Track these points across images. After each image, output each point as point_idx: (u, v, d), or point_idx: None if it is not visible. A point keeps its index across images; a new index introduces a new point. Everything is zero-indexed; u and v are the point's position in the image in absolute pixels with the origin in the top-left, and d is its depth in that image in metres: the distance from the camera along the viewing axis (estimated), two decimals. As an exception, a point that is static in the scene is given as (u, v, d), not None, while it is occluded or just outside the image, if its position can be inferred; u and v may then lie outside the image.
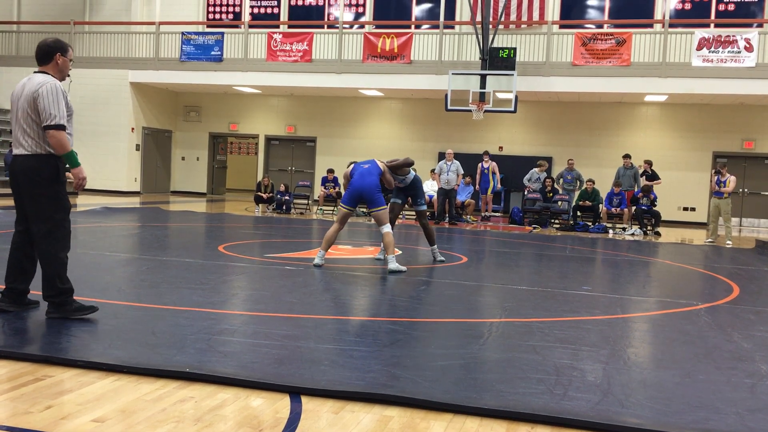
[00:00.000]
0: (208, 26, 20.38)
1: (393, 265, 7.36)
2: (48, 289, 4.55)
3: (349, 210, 7.81)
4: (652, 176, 15.93)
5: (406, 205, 9.25)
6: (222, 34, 19.06)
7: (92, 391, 3.30)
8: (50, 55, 4.57)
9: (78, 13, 21.20)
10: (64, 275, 4.56)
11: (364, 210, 15.83)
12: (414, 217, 16.27)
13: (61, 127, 4.39)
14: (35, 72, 4.60)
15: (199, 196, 21.74)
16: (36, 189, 4.47)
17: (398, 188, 8.55)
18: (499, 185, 16.79)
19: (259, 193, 17.13)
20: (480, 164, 16.73)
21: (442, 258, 8.63)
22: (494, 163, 16.65)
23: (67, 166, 4.56)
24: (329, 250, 7.91)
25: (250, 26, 19.13)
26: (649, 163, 16.10)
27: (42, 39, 4.69)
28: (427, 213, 16.29)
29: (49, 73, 4.55)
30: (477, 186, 16.74)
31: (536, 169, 16.42)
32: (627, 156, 16.13)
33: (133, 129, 20.12)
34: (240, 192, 24.31)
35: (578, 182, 16.53)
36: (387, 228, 7.56)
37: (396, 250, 7.96)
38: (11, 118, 4.63)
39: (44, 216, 4.49)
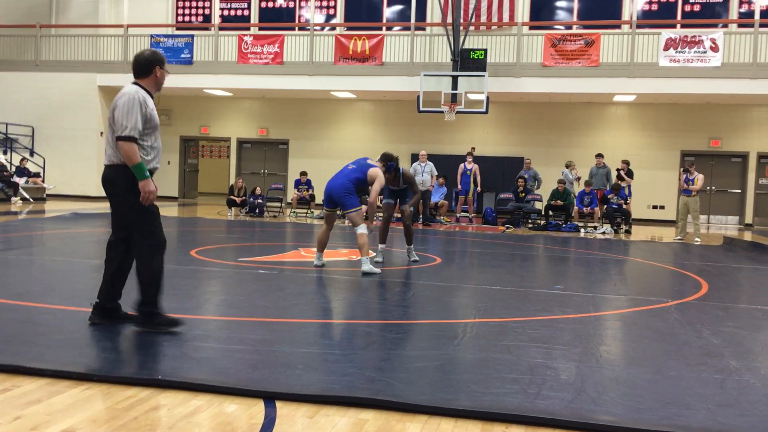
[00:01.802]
0: (178, 29, 20.20)
1: (366, 266, 7.34)
2: (138, 299, 4.52)
3: (329, 211, 7.79)
4: (627, 175, 16.14)
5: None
6: (192, 36, 18.91)
7: (62, 400, 3.24)
8: (149, 69, 4.56)
9: (44, 16, 20.88)
10: (154, 287, 4.52)
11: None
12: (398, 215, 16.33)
13: (130, 139, 4.34)
14: (131, 83, 4.57)
15: (170, 200, 21.52)
16: (116, 198, 4.52)
17: (391, 189, 8.55)
18: (479, 188, 16.80)
19: (231, 197, 17.01)
20: (462, 164, 16.77)
21: (416, 258, 8.65)
22: (476, 166, 16.67)
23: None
24: (318, 250, 7.87)
25: (221, 28, 19.00)
26: (626, 162, 16.32)
27: (139, 52, 4.66)
28: (398, 214, 16.37)
29: (140, 85, 4.53)
30: (458, 186, 16.77)
31: (567, 170, 16.24)
32: (599, 155, 16.33)
33: (102, 133, 19.84)
34: (212, 195, 24.13)
35: (536, 181, 16.70)
36: (362, 229, 7.53)
37: (371, 252, 7.96)
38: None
39: (132, 225, 4.53)
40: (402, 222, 8.72)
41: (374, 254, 8.39)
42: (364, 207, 8.21)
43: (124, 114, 4.34)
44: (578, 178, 16.49)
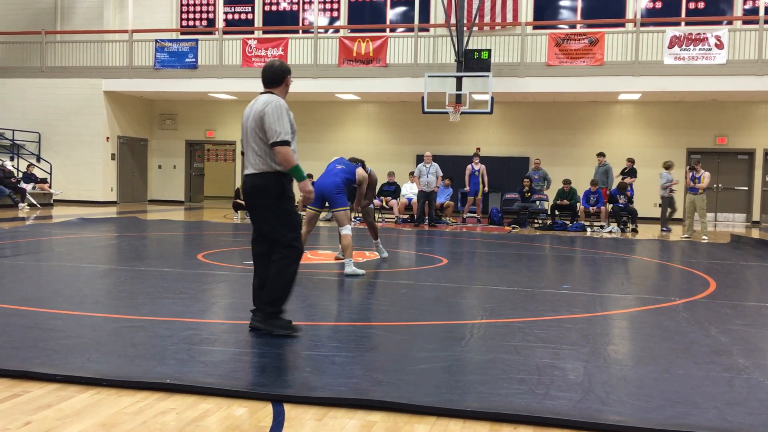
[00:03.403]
0: (182, 33, 20.27)
1: (350, 269, 7.34)
2: (268, 298, 4.59)
3: (315, 210, 7.80)
4: (630, 173, 16.12)
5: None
6: (196, 40, 18.96)
7: (71, 405, 3.26)
8: (282, 78, 4.72)
9: (49, 23, 20.98)
10: (288, 291, 4.61)
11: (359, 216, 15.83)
12: (394, 219, 16.38)
13: (287, 143, 4.45)
14: (261, 93, 4.69)
15: (176, 204, 21.58)
16: (265, 207, 4.57)
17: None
18: (486, 188, 16.79)
19: (237, 200, 17.03)
20: (470, 165, 16.77)
21: (386, 254, 8.86)
22: (483, 166, 16.66)
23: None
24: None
25: (225, 32, 19.05)
26: (631, 161, 16.29)
27: (268, 63, 4.77)
28: (405, 216, 16.40)
29: (274, 93, 4.65)
30: (466, 187, 16.77)
31: (665, 171, 15.84)
32: (599, 154, 16.33)
33: (108, 138, 19.92)
34: (218, 199, 24.17)
35: (546, 181, 16.68)
36: (347, 230, 7.57)
37: (374, 254, 7.99)
38: (242, 140, 4.71)
39: (276, 232, 4.58)
40: (366, 220, 8.83)
41: (379, 256, 8.46)
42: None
43: (275, 120, 4.46)
44: (677, 182, 16.00)
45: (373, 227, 8.81)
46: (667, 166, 15.47)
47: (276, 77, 4.70)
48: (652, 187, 18.07)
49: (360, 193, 8.07)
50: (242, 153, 4.83)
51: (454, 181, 17.13)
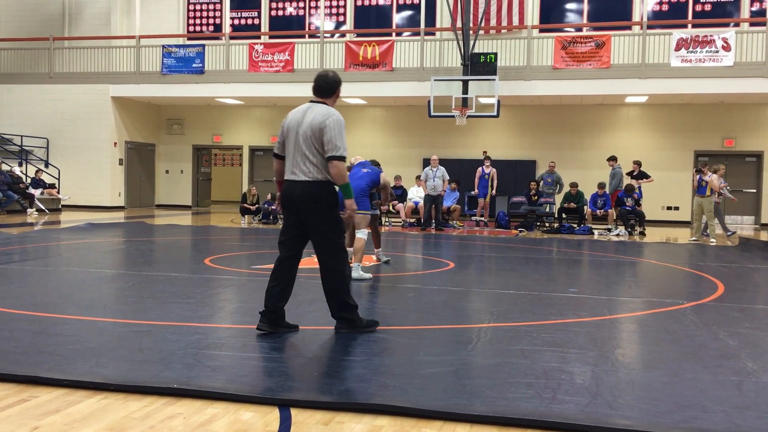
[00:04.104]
0: (189, 39, 20.35)
1: (357, 273, 7.37)
2: (338, 306, 4.73)
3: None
4: (639, 176, 16.08)
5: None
6: (203, 46, 19.03)
7: (79, 410, 3.27)
8: (334, 89, 4.81)
9: (57, 29, 21.11)
10: (350, 292, 4.77)
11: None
12: (401, 223, 16.38)
13: (344, 159, 4.54)
14: (313, 102, 4.74)
15: (184, 209, 21.64)
16: (318, 214, 4.63)
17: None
18: (494, 191, 16.80)
19: (244, 205, 17.09)
20: (480, 168, 16.77)
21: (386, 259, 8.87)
22: (494, 170, 16.67)
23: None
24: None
25: (231, 38, 19.11)
26: (638, 163, 16.25)
27: (321, 73, 4.83)
28: (412, 220, 16.40)
29: (327, 104, 4.73)
30: (475, 189, 16.77)
31: (714, 174, 15.48)
32: (611, 158, 16.29)
33: (115, 143, 20.01)
34: (225, 204, 24.23)
35: (558, 185, 16.66)
36: (362, 234, 7.60)
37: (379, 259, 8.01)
38: (287, 145, 4.72)
39: (327, 239, 4.66)
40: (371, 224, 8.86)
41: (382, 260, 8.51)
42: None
43: (336, 134, 4.56)
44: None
45: (377, 234, 8.79)
46: (715, 170, 14.96)
47: (330, 87, 4.78)
48: (659, 190, 18.03)
49: (386, 195, 8.24)
50: (276, 155, 4.84)
51: (460, 184, 17.13)
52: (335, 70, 17.73)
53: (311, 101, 4.78)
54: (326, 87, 4.77)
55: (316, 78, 4.79)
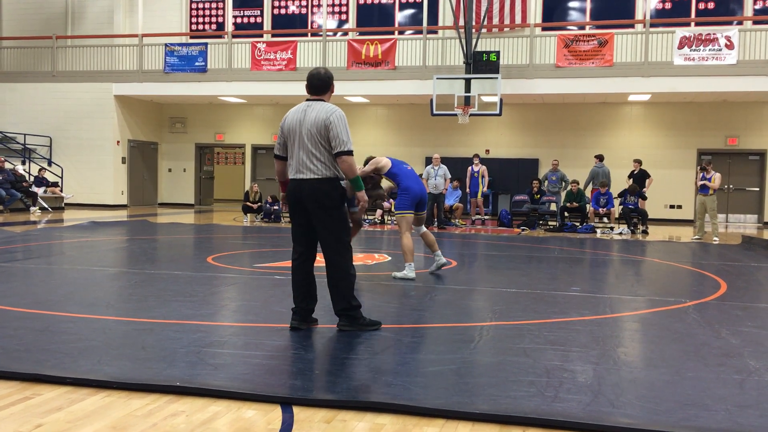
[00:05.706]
0: (192, 37, 20.36)
1: (402, 273, 7.46)
2: (341, 303, 4.76)
3: (416, 214, 7.73)
4: (641, 175, 16.06)
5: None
6: (206, 44, 19.04)
7: (82, 408, 3.28)
8: (329, 85, 4.84)
9: (60, 27, 21.12)
10: (353, 290, 4.81)
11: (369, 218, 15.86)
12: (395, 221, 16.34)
13: (352, 153, 4.60)
14: (312, 100, 4.78)
15: (186, 207, 21.67)
16: (327, 211, 4.66)
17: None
18: (486, 188, 16.84)
19: (247, 203, 17.09)
20: (470, 167, 16.79)
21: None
22: (484, 167, 16.70)
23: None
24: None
25: (234, 36, 19.12)
26: (638, 162, 16.24)
27: (313, 71, 4.86)
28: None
29: (324, 100, 4.77)
30: (467, 189, 16.80)
31: None
32: (597, 156, 16.55)
33: (118, 142, 20.04)
34: (228, 202, 24.21)
35: (563, 183, 16.66)
36: (407, 238, 7.61)
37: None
38: (290, 145, 4.75)
39: (335, 236, 4.70)
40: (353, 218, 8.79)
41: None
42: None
43: (342, 130, 4.60)
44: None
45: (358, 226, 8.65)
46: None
47: (325, 84, 4.81)
48: (661, 188, 18.01)
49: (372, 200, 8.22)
50: (276, 156, 4.87)
51: (462, 182, 17.12)
52: (338, 68, 17.96)
53: (307, 100, 4.80)
54: (321, 84, 4.80)
55: (310, 78, 4.81)
